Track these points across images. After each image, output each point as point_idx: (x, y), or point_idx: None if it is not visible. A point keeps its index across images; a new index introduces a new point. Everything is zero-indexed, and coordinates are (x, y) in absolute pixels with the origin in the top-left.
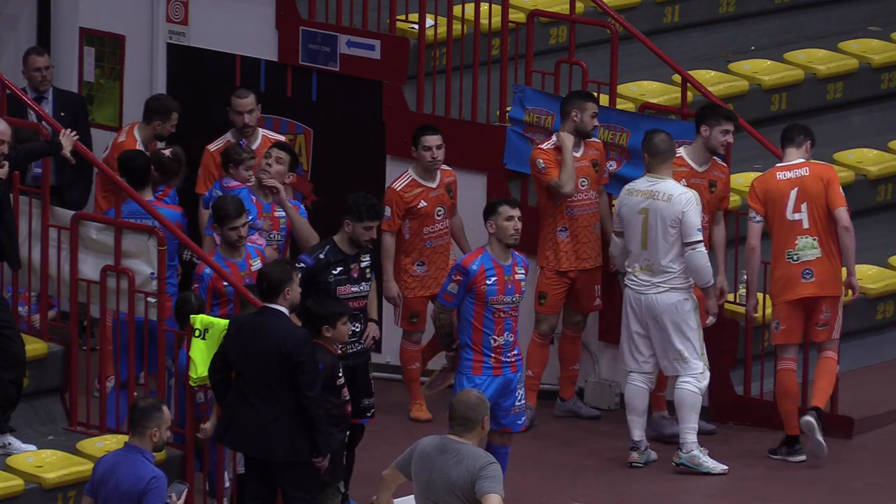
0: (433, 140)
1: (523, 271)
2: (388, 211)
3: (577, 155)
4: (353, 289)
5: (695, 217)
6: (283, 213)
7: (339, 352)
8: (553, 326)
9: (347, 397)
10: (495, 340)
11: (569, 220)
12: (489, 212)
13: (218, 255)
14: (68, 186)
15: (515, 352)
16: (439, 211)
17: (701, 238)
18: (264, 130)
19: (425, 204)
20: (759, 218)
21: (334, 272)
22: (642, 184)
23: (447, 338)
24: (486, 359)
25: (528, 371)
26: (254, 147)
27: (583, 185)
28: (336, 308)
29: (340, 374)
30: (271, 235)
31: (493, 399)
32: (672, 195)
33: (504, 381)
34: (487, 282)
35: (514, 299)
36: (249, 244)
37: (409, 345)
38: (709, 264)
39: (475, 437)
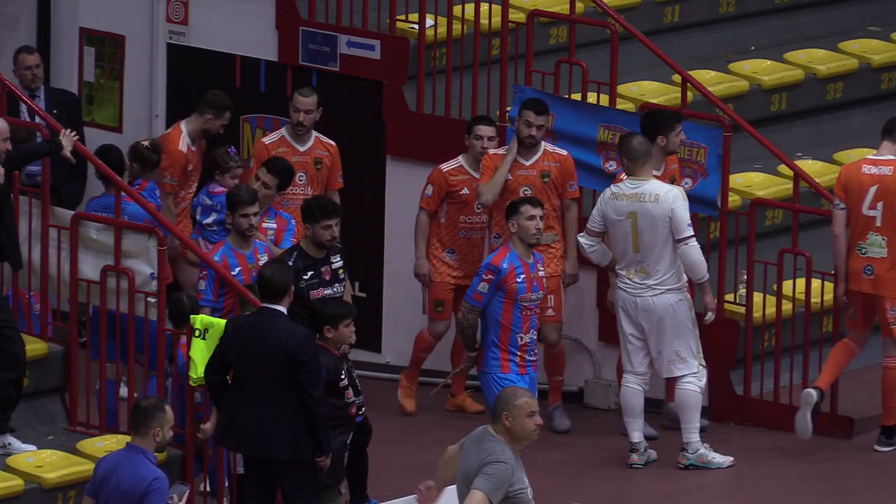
0: (487, 131)
1: (543, 269)
2: (429, 189)
3: (527, 164)
4: (326, 291)
5: (684, 212)
6: (271, 225)
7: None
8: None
9: (352, 399)
10: (522, 338)
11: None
12: (511, 211)
13: (227, 246)
14: (64, 183)
15: (535, 351)
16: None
17: (692, 233)
18: (318, 134)
19: (468, 192)
20: (842, 206)
21: (305, 277)
22: (627, 188)
23: (472, 338)
24: (512, 357)
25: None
26: (304, 148)
27: (525, 194)
28: (340, 309)
29: (343, 376)
30: None
31: None
32: (659, 195)
33: (530, 380)
34: (517, 280)
35: (538, 296)
36: (258, 241)
37: (427, 334)
38: (703, 258)
39: (502, 433)
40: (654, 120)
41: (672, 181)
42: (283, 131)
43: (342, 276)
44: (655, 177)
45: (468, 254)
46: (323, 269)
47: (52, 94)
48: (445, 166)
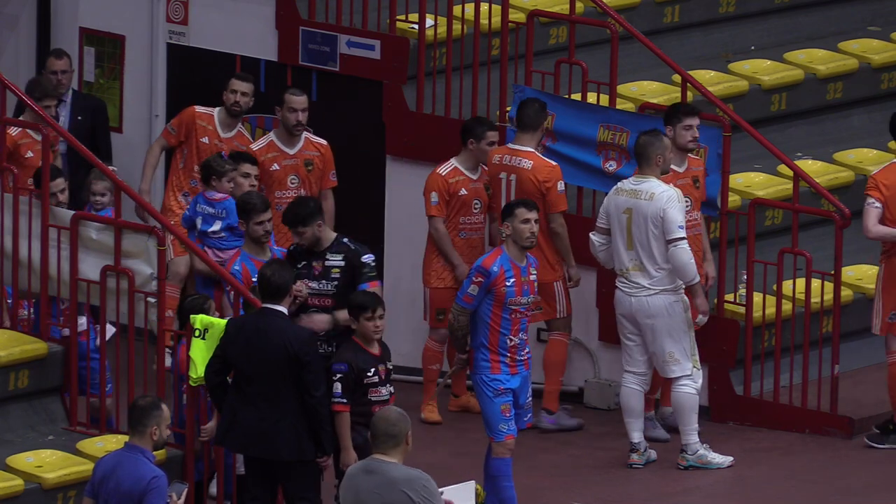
0: (492, 136)
1: (535, 272)
2: (434, 196)
3: (292, 152)
4: (311, 284)
5: (676, 214)
6: None
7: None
8: None
9: (379, 397)
10: (511, 340)
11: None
12: (506, 213)
13: (244, 255)
14: (81, 188)
15: (527, 349)
16: (476, 203)
17: (683, 235)
18: (308, 134)
19: (465, 192)
20: (877, 204)
21: (298, 266)
22: (628, 184)
23: (462, 339)
24: (502, 358)
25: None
26: (294, 151)
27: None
28: (360, 301)
29: (372, 373)
30: None
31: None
32: (654, 193)
33: (521, 379)
34: (507, 283)
35: (529, 300)
36: (276, 248)
37: (433, 344)
38: (692, 261)
39: (400, 454)
40: (668, 111)
41: (695, 182)
42: (271, 136)
43: (335, 276)
44: (679, 174)
45: (468, 256)
46: (315, 263)
47: (78, 99)
48: (442, 169)
